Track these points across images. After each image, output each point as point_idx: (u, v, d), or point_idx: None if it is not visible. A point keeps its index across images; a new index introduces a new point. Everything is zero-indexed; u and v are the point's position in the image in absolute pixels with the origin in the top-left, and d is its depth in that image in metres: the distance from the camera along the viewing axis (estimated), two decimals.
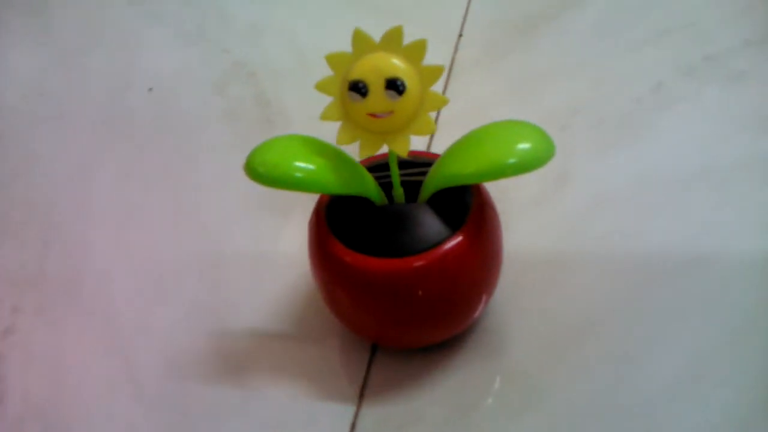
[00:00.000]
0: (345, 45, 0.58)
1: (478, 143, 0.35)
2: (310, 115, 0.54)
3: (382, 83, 0.34)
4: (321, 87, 0.35)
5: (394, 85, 0.34)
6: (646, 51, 0.54)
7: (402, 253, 0.36)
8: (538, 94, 0.53)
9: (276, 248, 0.47)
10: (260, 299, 0.44)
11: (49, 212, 0.52)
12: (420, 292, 0.36)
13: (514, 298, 0.42)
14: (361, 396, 0.39)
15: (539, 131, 0.35)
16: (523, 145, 0.35)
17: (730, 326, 0.39)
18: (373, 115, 0.34)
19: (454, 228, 0.36)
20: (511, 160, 0.34)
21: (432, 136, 0.51)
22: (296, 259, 0.45)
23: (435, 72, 0.34)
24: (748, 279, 0.41)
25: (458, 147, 0.36)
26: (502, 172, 0.34)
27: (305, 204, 0.48)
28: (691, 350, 0.39)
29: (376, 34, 0.58)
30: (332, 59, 0.35)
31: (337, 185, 0.35)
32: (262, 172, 0.35)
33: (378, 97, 0.34)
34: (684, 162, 0.47)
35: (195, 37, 0.63)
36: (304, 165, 0.35)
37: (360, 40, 0.34)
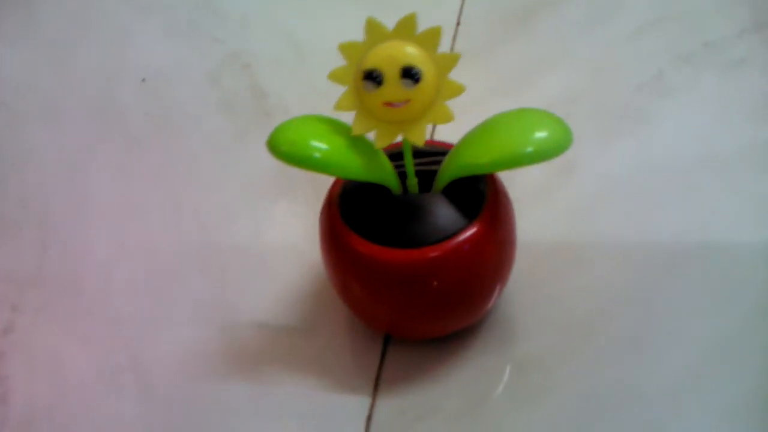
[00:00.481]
0: (340, 35, 0.58)
1: (494, 132, 0.35)
2: (308, 107, 0.54)
3: (397, 72, 0.33)
4: (334, 77, 0.35)
5: (410, 74, 0.33)
6: (644, 39, 0.54)
7: (418, 243, 0.36)
8: (539, 83, 0.53)
9: (281, 240, 0.47)
10: (267, 292, 0.44)
11: (46, 210, 0.51)
12: (435, 283, 0.36)
13: (525, 287, 0.42)
14: (376, 388, 0.39)
15: (556, 119, 0.35)
16: (540, 134, 0.34)
17: (741, 313, 0.39)
18: (389, 104, 0.34)
19: (469, 218, 0.36)
20: (528, 149, 0.34)
21: (434, 125, 0.50)
22: (303, 250, 0.45)
23: (451, 59, 0.34)
24: (756, 266, 0.41)
25: (474, 136, 0.36)
26: (519, 161, 0.34)
27: (309, 194, 0.48)
28: (702, 338, 0.39)
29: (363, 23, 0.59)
30: (345, 48, 0.34)
31: (359, 170, 0.35)
32: (285, 150, 0.34)
33: (394, 86, 0.33)
34: (687, 150, 0.47)
35: (186, 28, 0.62)
36: (326, 146, 0.35)
37: (373, 28, 0.34)
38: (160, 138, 0.54)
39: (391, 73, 0.33)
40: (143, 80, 0.58)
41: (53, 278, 0.47)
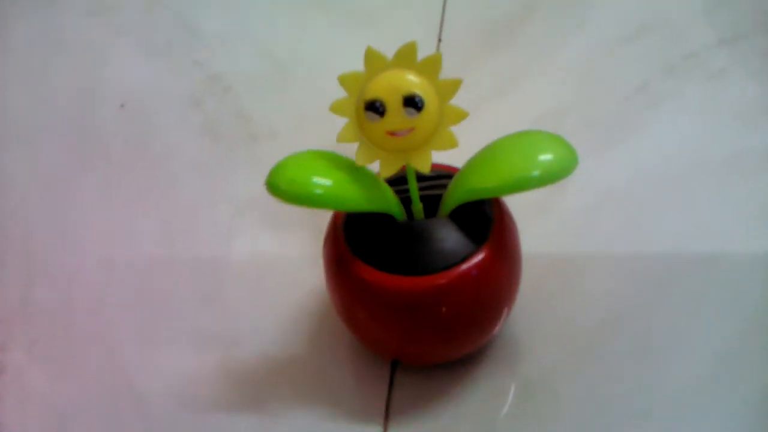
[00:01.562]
0: (321, 54, 0.58)
1: (500, 155, 0.35)
2: (294, 129, 0.54)
3: (399, 101, 0.33)
4: (335, 109, 0.34)
5: (413, 102, 0.33)
6: (626, 49, 0.54)
7: (426, 270, 0.35)
8: (526, 97, 0.53)
9: (278, 263, 0.46)
10: (268, 318, 0.43)
11: (28, 239, 0.50)
12: (444, 309, 0.36)
13: (528, 305, 0.42)
14: (387, 416, 0.39)
15: (560, 141, 0.35)
16: (545, 156, 0.34)
17: (743, 319, 0.40)
18: (392, 134, 0.34)
19: (477, 242, 0.36)
20: (535, 173, 0.34)
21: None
22: (301, 274, 0.45)
23: (452, 85, 0.34)
24: (755, 270, 0.42)
25: (479, 160, 0.36)
26: (526, 184, 0.34)
27: (304, 219, 0.48)
28: (706, 347, 0.39)
29: (354, 42, 0.58)
30: (345, 80, 0.34)
31: (360, 202, 0.35)
32: (284, 189, 0.34)
33: (396, 115, 0.33)
34: (679, 159, 0.47)
35: (163, 49, 0.61)
36: (326, 182, 0.34)
37: (372, 58, 0.34)
38: (143, 163, 0.53)
39: (393, 103, 0.33)
40: (122, 106, 0.57)
41: (41, 310, 0.46)
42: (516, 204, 0.45)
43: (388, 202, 0.36)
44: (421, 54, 0.33)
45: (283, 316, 0.44)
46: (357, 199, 0.35)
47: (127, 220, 0.50)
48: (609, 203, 0.46)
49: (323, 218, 0.46)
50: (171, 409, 0.41)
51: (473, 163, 0.36)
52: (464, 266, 0.35)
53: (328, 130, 0.52)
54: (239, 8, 0.63)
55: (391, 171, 0.34)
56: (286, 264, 0.46)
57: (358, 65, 0.58)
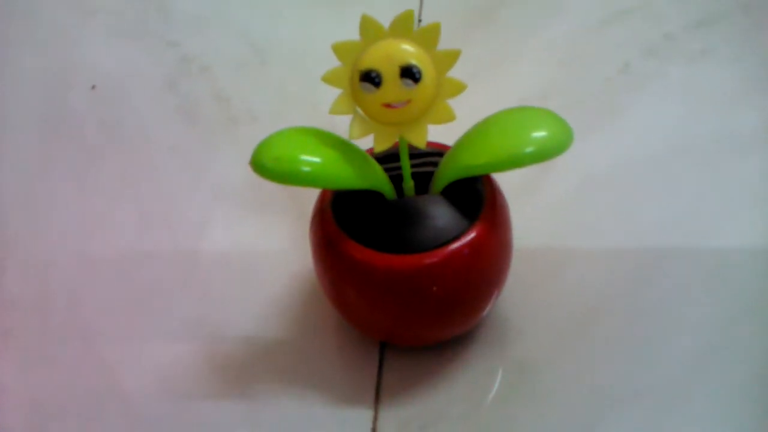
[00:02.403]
0: (300, 35, 0.57)
1: (493, 132, 0.34)
2: (275, 111, 0.52)
3: (396, 71, 0.32)
4: (328, 79, 0.33)
5: (410, 73, 0.32)
6: (607, 31, 0.54)
7: (418, 248, 0.35)
8: (508, 78, 0.52)
9: (261, 249, 0.45)
10: (253, 304, 0.42)
11: (2, 228, 0.48)
12: (435, 288, 0.35)
13: (517, 287, 0.41)
14: (377, 399, 0.38)
15: (555, 117, 0.34)
16: (540, 133, 0.34)
17: (732, 301, 0.40)
18: (388, 106, 0.33)
19: (469, 220, 0.35)
20: (528, 149, 0.33)
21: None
22: (285, 259, 0.44)
23: (450, 56, 0.33)
24: (743, 252, 0.42)
25: (471, 136, 0.35)
26: (520, 161, 0.33)
27: (287, 202, 0.47)
28: (695, 329, 0.39)
29: (333, 23, 0.57)
30: (339, 48, 0.33)
31: (350, 179, 0.34)
32: (270, 167, 0.33)
33: (393, 87, 0.32)
34: (664, 141, 0.47)
35: (135, 29, 0.59)
36: (314, 159, 0.33)
37: (368, 26, 0.33)
38: (119, 147, 0.52)
39: (389, 73, 0.32)
40: (93, 87, 0.55)
41: (17, 302, 0.44)
42: (501, 187, 0.45)
43: (379, 179, 0.35)
44: None
45: (268, 301, 0.42)
46: (347, 176, 0.34)
47: (103, 208, 0.48)
48: (595, 186, 0.46)
49: (307, 201, 0.45)
50: (155, 401, 0.39)
51: (465, 139, 0.35)
52: (456, 244, 0.35)
53: (310, 113, 0.51)
54: None
55: (385, 145, 0.33)
56: (270, 249, 0.45)
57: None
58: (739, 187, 0.44)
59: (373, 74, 0.32)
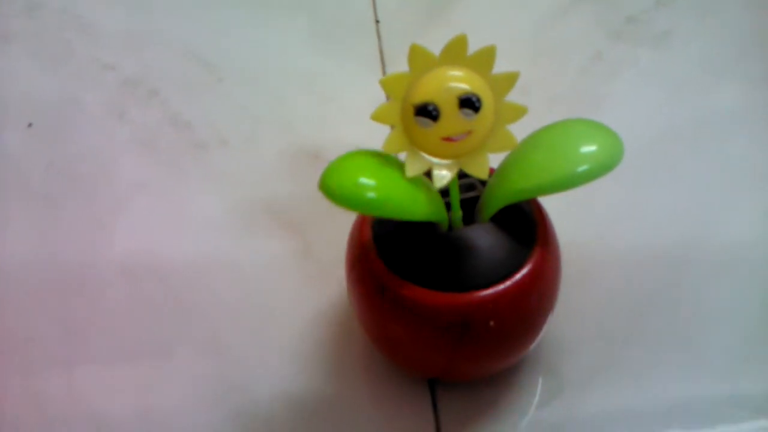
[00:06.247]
0: (252, 48, 0.53)
1: (540, 152, 0.33)
2: (244, 133, 0.48)
3: (454, 102, 0.30)
4: (378, 117, 0.31)
5: (470, 103, 0.30)
6: (569, 19, 0.53)
7: (479, 283, 0.33)
8: None
9: (267, 287, 0.42)
10: (276, 354, 0.39)
11: None
12: (492, 323, 0.33)
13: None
14: None
15: (602, 128, 0.33)
16: (589, 148, 0.32)
17: (746, 287, 0.41)
18: (447, 139, 0.30)
19: (525, 246, 0.34)
20: (583, 167, 0.32)
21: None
22: (299, 295, 0.41)
23: (509, 79, 0.31)
24: (754, 231, 0.42)
25: (517, 158, 0.33)
26: (573, 181, 0.32)
27: (275, 227, 0.43)
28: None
29: (284, 33, 0.53)
30: (388, 83, 0.30)
31: (416, 210, 0.31)
32: (340, 193, 0.30)
33: (451, 119, 0.30)
34: (650, 128, 0.47)
35: (60, 53, 0.53)
36: (383, 187, 0.31)
37: (418, 56, 0.30)
38: (76, 191, 0.46)
39: (447, 105, 0.30)
40: (30, 125, 0.49)
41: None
42: None
43: (441, 209, 0.33)
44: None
45: (294, 346, 0.39)
46: (413, 206, 0.31)
47: (70, 260, 0.43)
48: (594, 183, 0.45)
49: (300, 225, 0.43)
50: None
51: (511, 162, 0.33)
52: (518, 275, 0.33)
53: (285, 131, 0.48)
54: (136, 1, 0.56)
55: (446, 180, 0.31)
56: (278, 288, 0.42)
57: (294, 58, 0.54)
58: (738, 166, 0.45)
59: (430, 107, 0.30)
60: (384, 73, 0.51)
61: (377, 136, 0.48)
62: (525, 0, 0.55)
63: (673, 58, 0.51)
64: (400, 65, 0.51)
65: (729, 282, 0.41)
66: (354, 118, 0.49)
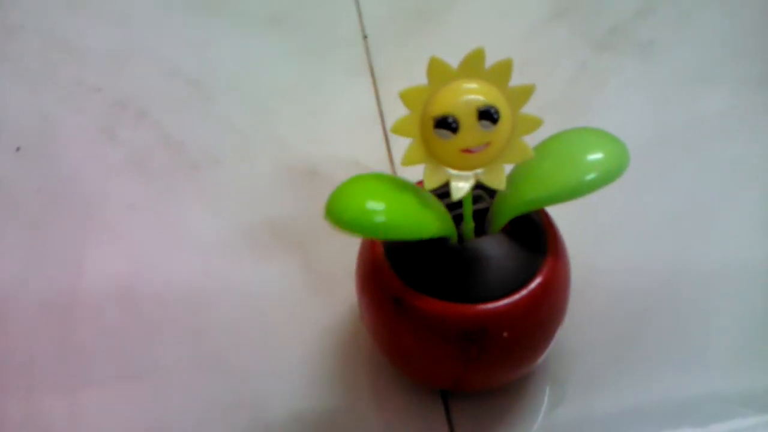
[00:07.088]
0: (237, 64, 0.52)
1: (548, 161, 0.33)
2: (239, 152, 0.48)
3: (473, 114, 0.30)
4: (398, 130, 0.31)
5: (488, 114, 0.30)
6: (553, 30, 0.54)
7: (493, 294, 0.33)
8: None
9: (272, 306, 0.41)
10: (288, 372, 0.39)
11: None
12: (505, 334, 0.34)
13: None
14: None
15: (607, 136, 0.34)
16: (596, 156, 0.33)
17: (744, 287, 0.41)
18: (467, 151, 0.31)
19: (537, 256, 0.34)
20: (590, 176, 0.32)
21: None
22: (303, 311, 0.41)
23: (525, 92, 0.31)
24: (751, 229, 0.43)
25: (525, 169, 0.33)
26: (582, 189, 0.32)
27: (273, 245, 0.43)
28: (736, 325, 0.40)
29: (268, 49, 0.53)
30: (408, 96, 0.30)
31: (425, 229, 0.31)
32: (347, 219, 0.30)
33: (471, 131, 0.30)
34: (642, 135, 0.48)
35: (45, 75, 0.52)
36: (391, 210, 0.31)
37: (437, 69, 0.30)
38: (67, 215, 0.45)
39: (466, 117, 0.30)
40: (18, 149, 0.48)
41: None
42: None
43: (449, 225, 0.33)
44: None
45: (302, 367, 0.39)
46: (421, 226, 0.31)
47: (65, 287, 0.42)
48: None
49: (298, 239, 0.42)
50: None
51: (519, 172, 0.34)
52: (531, 285, 0.33)
53: (280, 148, 0.48)
54: (117, 20, 0.55)
55: (463, 192, 0.31)
56: (281, 300, 0.42)
57: (281, 73, 0.53)
58: (729, 168, 0.46)
59: (450, 119, 0.30)
60: (374, 86, 0.51)
61: (370, 150, 0.49)
62: (508, 12, 0.56)
63: (658, 66, 0.52)
64: (389, 78, 0.52)
65: (729, 282, 0.41)
66: (346, 132, 0.49)
